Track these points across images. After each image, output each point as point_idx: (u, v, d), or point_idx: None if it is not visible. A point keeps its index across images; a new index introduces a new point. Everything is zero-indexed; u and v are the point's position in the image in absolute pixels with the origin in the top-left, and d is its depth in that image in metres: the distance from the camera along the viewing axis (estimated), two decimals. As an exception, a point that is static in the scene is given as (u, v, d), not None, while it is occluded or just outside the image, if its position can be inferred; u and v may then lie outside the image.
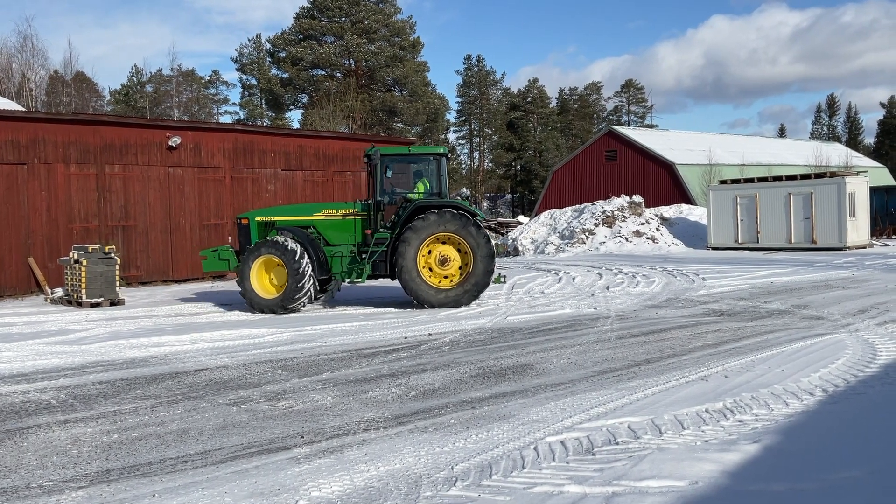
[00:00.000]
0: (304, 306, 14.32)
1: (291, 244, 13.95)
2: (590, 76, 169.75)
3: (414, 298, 14.11)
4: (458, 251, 14.26)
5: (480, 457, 5.45)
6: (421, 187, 14.81)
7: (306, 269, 13.89)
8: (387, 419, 6.56)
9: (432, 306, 14.04)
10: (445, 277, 14.29)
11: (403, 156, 15.36)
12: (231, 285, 20.02)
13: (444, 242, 14.18)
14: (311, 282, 14.03)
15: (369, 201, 14.60)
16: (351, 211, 14.81)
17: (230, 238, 21.50)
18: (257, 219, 14.97)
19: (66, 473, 5.35)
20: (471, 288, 14.16)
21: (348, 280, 14.69)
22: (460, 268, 14.27)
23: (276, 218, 14.94)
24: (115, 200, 19.73)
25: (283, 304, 13.95)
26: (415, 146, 15.45)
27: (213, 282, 20.86)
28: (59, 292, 17.02)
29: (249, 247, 14.31)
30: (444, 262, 14.19)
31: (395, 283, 14.66)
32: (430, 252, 14.16)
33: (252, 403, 7.23)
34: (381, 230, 14.40)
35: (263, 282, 14.20)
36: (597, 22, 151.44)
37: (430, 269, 14.20)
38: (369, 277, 14.55)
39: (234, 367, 9.06)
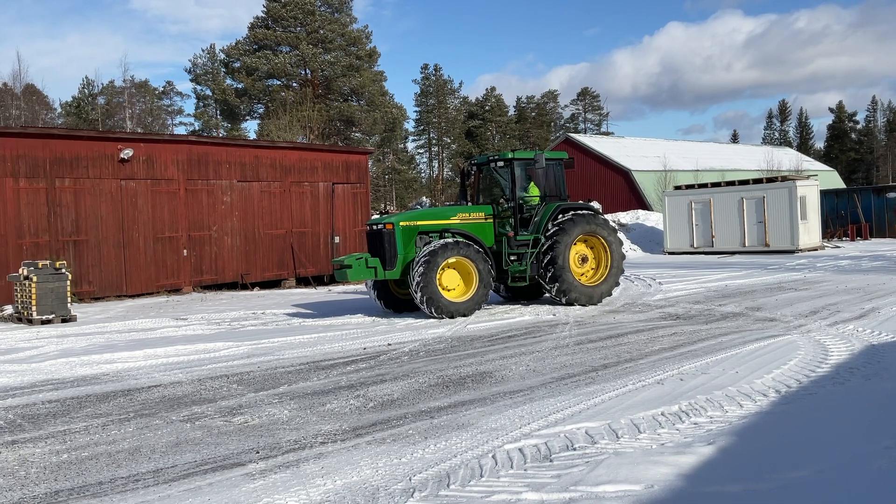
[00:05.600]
0: None
1: (481, 248, 14.03)
2: (547, 84, 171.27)
3: (562, 296, 14.52)
4: (589, 250, 15.05)
5: (438, 467, 5.41)
6: (534, 191, 15.10)
7: (492, 271, 14.05)
8: (344, 431, 6.49)
9: (582, 303, 14.58)
10: (582, 275, 14.93)
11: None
12: (187, 299, 19.72)
13: (575, 243, 14.72)
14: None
15: (509, 204, 14.74)
16: (490, 213, 14.92)
17: (185, 252, 21.20)
18: (402, 224, 14.28)
19: (13, 496, 5.19)
20: (613, 283, 15.19)
21: (509, 284, 14.88)
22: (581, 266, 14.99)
23: (419, 222, 14.52)
24: (65, 215, 19.34)
25: (476, 307, 13.86)
26: (546, 152, 15.81)
27: (169, 295, 20.54)
28: (8, 309, 16.62)
29: (430, 248, 13.50)
30: (584, 260, 14.94)
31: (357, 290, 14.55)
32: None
33: (206, 419, 7.10)
34: (522, 232, 14.70)
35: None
36: (555, 29, 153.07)
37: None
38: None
39: (189, 382, 8.91)
